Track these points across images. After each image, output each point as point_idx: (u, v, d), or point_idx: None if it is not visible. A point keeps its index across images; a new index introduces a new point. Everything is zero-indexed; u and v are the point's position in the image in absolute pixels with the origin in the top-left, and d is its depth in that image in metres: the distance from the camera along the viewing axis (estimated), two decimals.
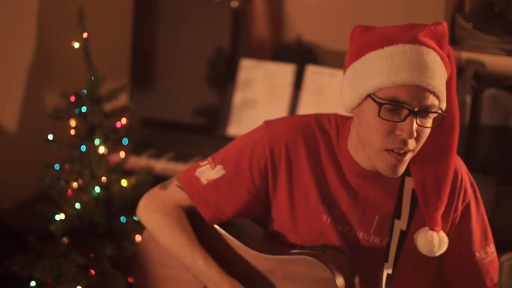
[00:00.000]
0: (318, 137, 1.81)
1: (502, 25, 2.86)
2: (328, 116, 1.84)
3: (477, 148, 2.84)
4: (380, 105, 1.62)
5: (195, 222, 1.89)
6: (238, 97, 3.33)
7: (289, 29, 3.56)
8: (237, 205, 1.85)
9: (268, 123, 1.86)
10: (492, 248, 1.87)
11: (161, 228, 1.89)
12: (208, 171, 1.86)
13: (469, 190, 1.83)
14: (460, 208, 1.81)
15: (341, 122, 1.81)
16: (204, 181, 1.86)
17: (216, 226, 1.89)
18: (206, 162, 1.88)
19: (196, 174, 1.87)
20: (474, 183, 1.85)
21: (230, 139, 3.24)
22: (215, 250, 1.87)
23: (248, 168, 1.82)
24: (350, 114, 1.75)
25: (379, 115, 1.62)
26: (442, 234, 1.75)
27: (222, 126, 3.35)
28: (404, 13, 3.40)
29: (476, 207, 1.84)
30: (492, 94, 2.83)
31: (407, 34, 1.64)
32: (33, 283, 2.67)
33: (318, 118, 1.83)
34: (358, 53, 1.69)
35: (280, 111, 3.26)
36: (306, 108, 3.23)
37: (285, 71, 3.30)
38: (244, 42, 3.46)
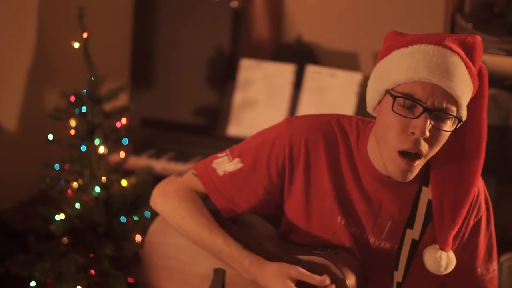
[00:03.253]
0: (338, 137, 1.80)
1: (502, 25, 2.86)
2: (349, 118, 1.83)
3: None
4: (394, 98, 1.62)
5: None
6: (238, 97, 3.33)
7: (289, 29, 3.56)
8: (252, 200, 1.85)
9: (289, 120, 1.85)
10: (494, 265, 1.86)
11: (178, 212, 1.88)
12: (225, 163, 1.86)
13: (483, 206, 1.82)
14: (471, 223, 1.80)
15: (362, 125, 1.81)
16: (220, 172, 1.86)
17: (229, 223, 1.89)
18: (224, 154, 1.88)
19: (213, 165, 1.87)
20: (489, 199, 1.84)
21: (230, 139, 3.27)
22: None
23: (266, 165, 1.82)
24: (373, 114, 1.74)
25: (392, 108, 1.62)
26: (451, 255, 1.75)
27: (222, 126, 3.35)
28: (404, 13, 3.40)
29: (486, 223, 1.83)
30: (492, 94, 2.83)
31: (435, 37, 1.65)
32: (33, 283, 2.67)
33: (339, 119, 1.83)
34: (385, 52, 1.70)
35: (280, 111, 3.26)
36: (306, 108, 3.23)
37: (285, 71, 3.30)
38: (244, 42, 3.46)
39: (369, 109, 1.74)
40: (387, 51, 1.69)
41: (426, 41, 1.64)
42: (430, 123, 1.61)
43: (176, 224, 1.89)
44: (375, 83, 1.70)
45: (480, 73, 1.69)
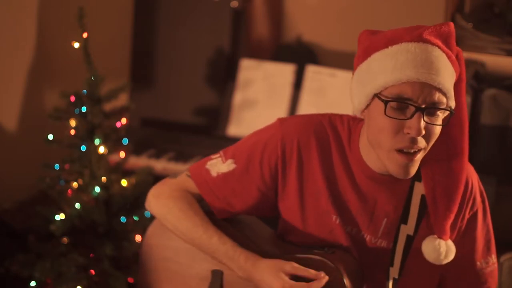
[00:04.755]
0: (330, 137, 1.80)
1: (502, 25, 2.86)
2: (341, 116, 1.83)
3: (477, 148, 2.84)
4: (386, 102, 1.62)
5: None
6: (238, 97, 3.33)
7: (289, 29, 3.56)
8: (246, 201, 1.85)
9: (281, 121, 1.85)
10: (493, 258, 1.87)
11: (172, 213, 1.88)
12: (218, 164, 1.87)
13: (478, 199, 1.82)
14: (467, 216, 1.81)
15: (353, 124, 1.81)
16: (214, 173, 1.86)
17: (226, 223, 1.89)
18: (217, 155, 1.89)
19: (207, 166, 1.88)
20: (484, 192, 1.84)
21: (230, 139, 3.27)
22: None
23: (258, 166, 1.82)
24: (361, 117, 1.74)
25: (385, 113, 1.62)
26: (450, 243, 1.75)
27: (222, 126, 3.35)
28: (404, 13, 3.40)
29: (483, 216, 1.83)
30: (492, 94, 2.83)
31: (412, 33, 1.64)
32: (33, 283, 2.67)
33: (331, 118, 1.83)
34: (364, 55, 1.69)
35: (280, 111, 3.26)
36: (306, 108, 3.23)
37: (285, 71, 3.30)
38: (244, 42, 3.46)
39: (357, 113, 1.73)
40: (366, 54, 1.68)
41: (405, 39, 1.64)
42: (423, 120, 1.61)
43: (171, 225, 1.90)
44: (360, 88, 1.69)
45: (457, 57, 1.69)
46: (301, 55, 3.43)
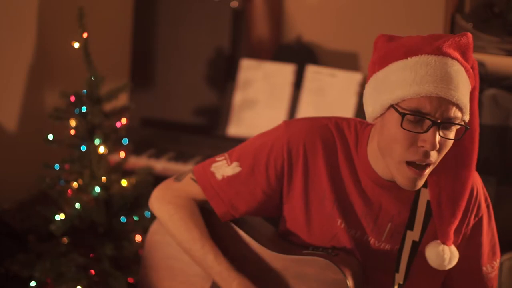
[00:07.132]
0: (336, 140, 1.80)
1: (502, 25, 2.86)
2: (348, 120, 1.83)
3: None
4: (403, 115, 1.61)
5: (208, 217, 1.90)
6: (238, 97, 3.33)
7: (289, 29, 3.56)
8: (251, 203, 1.85)
9: (287, 123, 1.84)
10: (498, 262, 1.87)
11: (172, 220, 1.88)
12: (224, 167, 1.86)
13: (483, 205, 1.82)
14: (472, 222, 1.80)
15: (361, 128, 1.80)
16: (219, 176, 1.85)
17: (230, 223, 1.89)
18: (222, 157, 1.88)
19: (212, 169, 1.87)
20: (488, 198, 1.84)
21: (230, 139, 3.27)
22: (227, 246, 1.87)
23: (264, 168, 1.81)
24: (373, 123, 1.74)
25: (401, 125, 1.61)
26: (453, 249, 1.75)
27: (222, 126, 3.35)
28: (404, 13, 3.40)
29: (488, 222, 1.83)
30: (492, 94, 2.83)
31: (431, 45, 1.63)
32: (33, 283, 2.67)
33: (337, 122, 1.82)
34: (381, 63, 1.68)
35: (280, 111, 3.26)
36: (306, 108, 3.23)
37: (285, 71, 3.30)
38: (244, 42, 3.46)
39: (369, 119, 1.72)
40: (383, 62, 1.67)
41: (424, 51, 1.62)
42: (439, 134, 1.61)
43: (170, 232, 1.90)
44: (376, 96, 1.68)
45: (472, 68, 1.69)
46: (301, 55, 3.43)
